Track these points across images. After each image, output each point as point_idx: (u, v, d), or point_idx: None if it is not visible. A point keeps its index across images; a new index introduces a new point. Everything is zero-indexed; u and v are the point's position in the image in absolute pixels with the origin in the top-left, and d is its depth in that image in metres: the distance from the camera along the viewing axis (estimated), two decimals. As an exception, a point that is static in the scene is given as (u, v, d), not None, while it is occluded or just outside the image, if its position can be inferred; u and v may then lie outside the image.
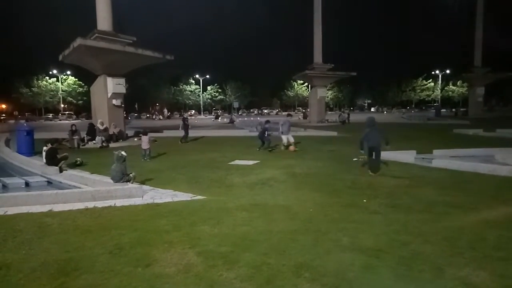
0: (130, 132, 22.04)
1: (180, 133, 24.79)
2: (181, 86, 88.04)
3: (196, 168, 10.24)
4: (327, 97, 78.32)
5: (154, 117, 66.54)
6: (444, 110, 65.85)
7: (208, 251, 4.28)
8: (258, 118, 49.59)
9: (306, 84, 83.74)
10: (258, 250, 4.28)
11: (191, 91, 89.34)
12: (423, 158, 10.73)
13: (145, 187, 7.65)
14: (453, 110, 62.66)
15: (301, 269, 3.76)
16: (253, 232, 4.90)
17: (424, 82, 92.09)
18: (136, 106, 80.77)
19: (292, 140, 14.68)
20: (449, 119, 37.57)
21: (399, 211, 5.82)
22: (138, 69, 22.88)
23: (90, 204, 6.39)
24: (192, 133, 24.96)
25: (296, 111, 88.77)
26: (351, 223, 5.25)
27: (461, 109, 59.00)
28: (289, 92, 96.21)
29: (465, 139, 17.11)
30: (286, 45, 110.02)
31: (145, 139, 12.21)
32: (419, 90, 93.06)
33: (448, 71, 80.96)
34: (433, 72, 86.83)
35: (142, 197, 6.96)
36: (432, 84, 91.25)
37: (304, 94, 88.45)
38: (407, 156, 11.08)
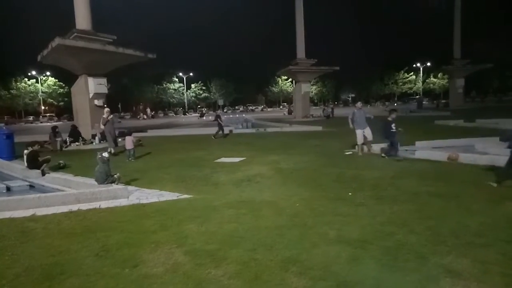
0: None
1: (160, 132, 24.70)
2: (164, 85, 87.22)
3: (182, 167, 10.17)
4: (312, 92, 78.74)
5: (138, 117, 65.80)
6: (426, 102, 67.03)
7: (195, 249, 4.27)
8: (244, 115, 49.56)
9: (290, 79, 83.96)
10: (246, 246, 4.30)
11: (174, 90, 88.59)
12: (406, 149, 10.90)
13: (130, 187, 7.56)
14: (434, 102, 63.94)
15: (289, 263, 3.79)
16: (240, 229, 4.91)
17: (406, 75, 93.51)
18: (119, 106, 79.64)
19: (370, 137, 11.00)
20: (430, 111, 38.25)
21: (384, 202, 5.91)
22: (120, 68, 22.55)
23: (74, 207, 6.28)
24: (177, 132, 24.85)
25: (281, 106, 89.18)
26: (337, 216, 5.31)
27: (442, 101, 60.14)
28: (274, 88, 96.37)
29: (446, 130, 17.46)
30: (270, 41, 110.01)
31: (129, 139, 12.06)
32: (401, 83, 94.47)
33: (429, 64, 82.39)
34: (414, 65, 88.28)
35: (128, 198, 6.88)
36: (414, 76, 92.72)
37: (289, 90, 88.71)
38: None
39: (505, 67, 78.48)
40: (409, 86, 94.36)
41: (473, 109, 36.15)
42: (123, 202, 6.61)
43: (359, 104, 11.94)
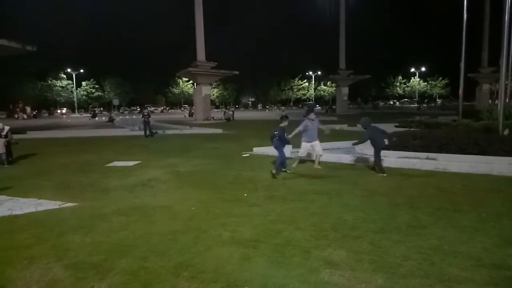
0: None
1: (43, 134, 22.14)
2: (50, 81, 78.42)
3: (67, 173, 9.24)
4: (213, 95, 79.25)
5: (16, 116, 57.88)
6: (320, 107, 73.20)
7: (77, 262, 3.91)
8: (141, 117, 47.11)
9: (191, 81, 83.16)
10: (136, 254, 4.09)
11: (62, 87, 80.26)
12: (297, 151, 11.66)
13: (0, 197, 6.58)
14: (324, 107, 70.32)
15: (180, 268, 3.72)
16: (130, 237, 4.66)
17: (300, 82, 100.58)
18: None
19: (320, 151, 9.52)
20: (320, 116, 41.67)
21: (276, 202, 6.23)
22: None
23: None
24: (63, 134, 22.49)
25: (182, 108, 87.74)
26: (232, 217, 5.40)
27: (333, 106, 66.36)
28: (175, 89, 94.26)
29: (333, 133, 19.18)
30: (171, 41, 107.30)
31: None
32: (296, 89, 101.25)
33: (319, 72, 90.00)
34: (307, 73, 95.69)
35: (-4, 209, 5.98)
36: (307, 84, 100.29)
37: (190, 92, 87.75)
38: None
39: (381, 79, 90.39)
40: (303, 92, 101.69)
41: (356, 115, 40.57)
42: (-11, 214, 5.72)
43: (312, 115, 9.80)
